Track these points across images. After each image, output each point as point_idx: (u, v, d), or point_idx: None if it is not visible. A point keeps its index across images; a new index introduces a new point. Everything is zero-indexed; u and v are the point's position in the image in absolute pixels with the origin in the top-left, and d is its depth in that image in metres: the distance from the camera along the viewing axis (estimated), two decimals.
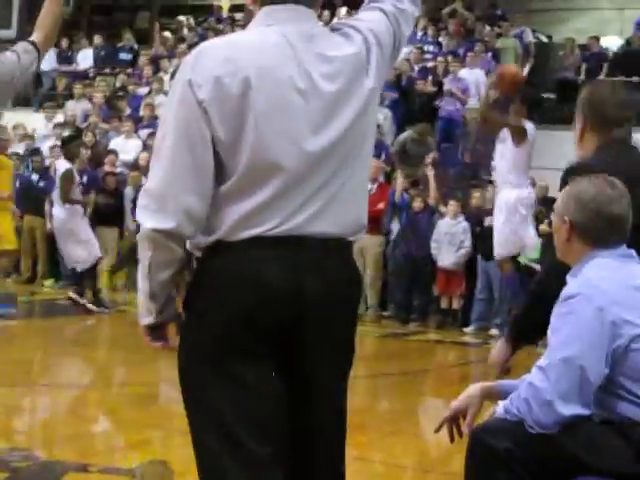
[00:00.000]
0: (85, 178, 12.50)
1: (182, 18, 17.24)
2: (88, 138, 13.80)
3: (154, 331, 2.30)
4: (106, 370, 7.08)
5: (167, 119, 2.25)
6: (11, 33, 13.41)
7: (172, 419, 4.98)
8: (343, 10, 15.49)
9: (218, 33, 16.58)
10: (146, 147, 13.77)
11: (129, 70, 16.52)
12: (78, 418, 5.14)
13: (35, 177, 13.10)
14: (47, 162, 13.47)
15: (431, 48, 14.72)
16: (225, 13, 17.85)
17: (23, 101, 18.16)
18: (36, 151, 13.74)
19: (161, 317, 2.28)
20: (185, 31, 16.58)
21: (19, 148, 14.03)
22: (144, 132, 13.98)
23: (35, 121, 15.48)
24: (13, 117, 16.01)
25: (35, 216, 12.83)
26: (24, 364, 6.88)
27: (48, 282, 12.79)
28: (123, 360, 7.73)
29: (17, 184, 13.11)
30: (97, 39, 17.26)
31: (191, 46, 16.09)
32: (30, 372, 6.61)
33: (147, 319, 2.29)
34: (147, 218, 2.19)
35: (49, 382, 6.07)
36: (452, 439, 2.80)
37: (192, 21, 17.20)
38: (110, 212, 12.53)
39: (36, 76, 17.78)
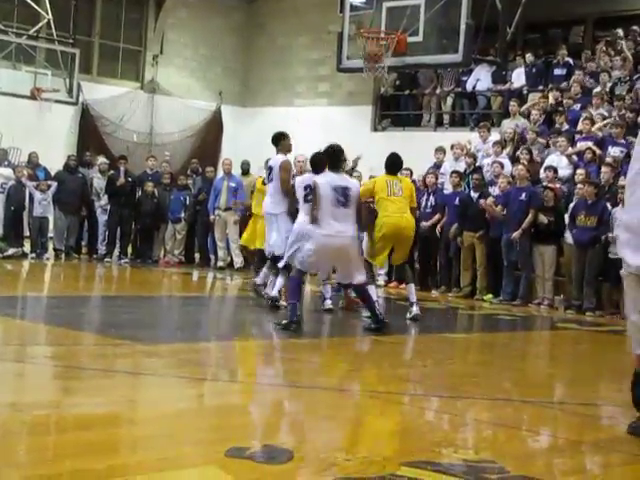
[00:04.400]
0: (524, 195, 12.62)
1: (619, 30, 16.65)
2: (523, 155, 13.88)
3: None
4: (544, 386, 7.02)
5: None
6: (457, 57, 13.99)
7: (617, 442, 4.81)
8: None
9: None
10: (576, 162, 13.56)
11: (563, 85, 16.34)
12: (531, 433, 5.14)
13: (475, 195, 13.42)
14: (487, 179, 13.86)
15: None
16: None
17: (460, 120, 18.81)
18: (477, 169, 14.09)
19: None
20: (622, 43, 15.99)
21: (459, 166, 14.47)
22: (582, 144, 13.80)
23: (471, 140, 15.86)
24: (450, 136, 16.63)
25: (470, 232, 13.21)
26: (469, 377, 7.05)
27: (488, 297, 13.05)
28: (561, 377, 7.63)
29: (457, 201, 13.57)
30: (529, 57, 17.32)
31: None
32: (479, 384, 6.74)
33: None
34: (630, 254, 2.11)
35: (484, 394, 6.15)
36: None
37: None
38: (549, 228, 12.53)
39: (471, 95, 18.31)
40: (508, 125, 15.41)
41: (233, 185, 15.19)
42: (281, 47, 22.03)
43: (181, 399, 5.52)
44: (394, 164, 9.98)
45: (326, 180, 8.49)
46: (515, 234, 12.57)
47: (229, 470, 3.90)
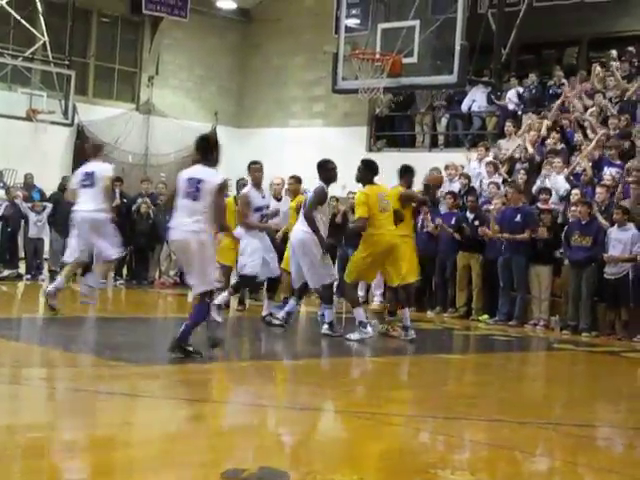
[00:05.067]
0: (519, 216, 12.68)
1: (613, 51, 16.74)
2: (520, 175, 13.97)
3: None
4: (539, 407, 7.03)
5: None
6: (452, 78, 14.06)
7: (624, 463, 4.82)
8: None
9: None
10: (573, 182, 13.62)
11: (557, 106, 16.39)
12: (525, 454, 5.15)
13: (470, 216, 13.45)
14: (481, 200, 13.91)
15: None
16: None
17: (454, 141, 18.88)
18: (471, 190, 14.12)
19: None
20: (613, 64, 16.05)
21: (453, 187, 14.51)
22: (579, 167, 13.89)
23: (469, 159, 15.88)
24: (445, 157, 16.68)
25: (466, 252, 13.26)
26: (465, 398, 7.06)
27: (483, 317, 13.06)
28: (557, 398, 7.63)
29: (453, 221, 13.60)
30: (531, 77, 17.35)
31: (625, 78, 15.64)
32: (474, 405, 6.75)
33: None
34: None
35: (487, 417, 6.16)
36: None
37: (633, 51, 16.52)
38: (545, 245, 12.58)
39: (467, 116, 18.39)
40: (505, 146, 15.47)
41: None
42: (276, 67, 22.14)
43: (177, 421, 5.53)
44: (371, 170, 9.89)
45: (186, 171, 7.79)
46: (503, 235, 12.65)
47: None
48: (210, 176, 7.62)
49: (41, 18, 18.94)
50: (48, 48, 19.18)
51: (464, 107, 18.33)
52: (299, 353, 9.49)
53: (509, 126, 15.77)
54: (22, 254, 15.60)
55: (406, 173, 10.76)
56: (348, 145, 19.80)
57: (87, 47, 21.10)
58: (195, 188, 7.54)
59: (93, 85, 21.21)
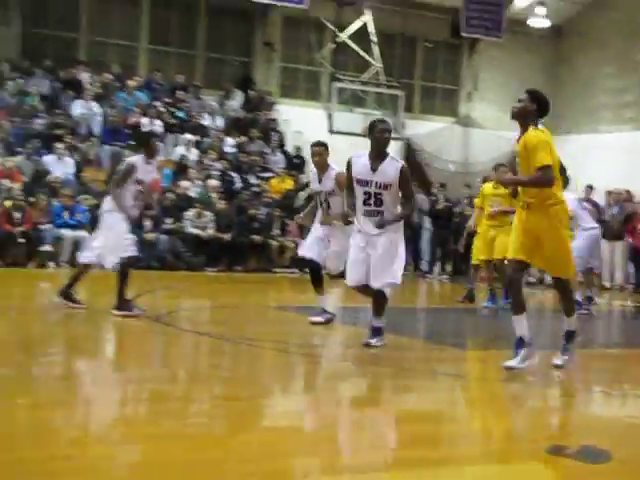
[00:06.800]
0: None
1: None
2: None
3: None
4: None
5: None
6: None
7: None
8: None
9: None
10: None
11: None
12: None
13: None
14: None
15: None
16: None
17: None
18: None
19: None
20: None
21: None
22: None
23: None
24: None
25: None
26: None
27: None
28: None
29: None
30: None
31: None
32: None
33: None
34: None
35: None
36: None
37: None
38: None
39: None
40: None
41: None
42: (585, 78, 21.20)
43: (502, 400, 5.46)
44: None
45: None
46: None
47: (550, 467, 3.80)
48: None
49: (375, 48, 19.60)
50: (381, 73, 19.82)
51: None
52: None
53: None
54: None
55: None
56: None
57: (413, 69, 21.60)
58: None
59: (419, 103, 21.67)
